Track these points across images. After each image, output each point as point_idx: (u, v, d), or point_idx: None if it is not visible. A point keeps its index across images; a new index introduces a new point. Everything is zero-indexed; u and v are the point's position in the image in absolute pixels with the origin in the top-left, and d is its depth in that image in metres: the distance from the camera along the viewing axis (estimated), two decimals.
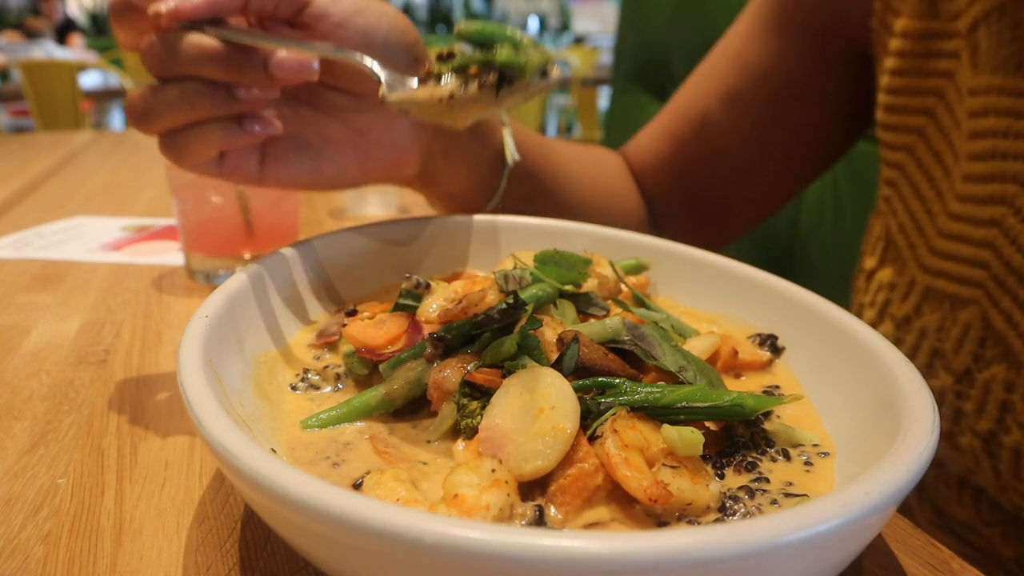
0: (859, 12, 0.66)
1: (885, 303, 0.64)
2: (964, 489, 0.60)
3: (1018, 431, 0.54)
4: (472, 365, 0.39)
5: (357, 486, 0.34)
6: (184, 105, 0.46)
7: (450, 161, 0.62)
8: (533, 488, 0.33)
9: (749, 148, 0.78)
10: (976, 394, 0.56)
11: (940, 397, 0.58)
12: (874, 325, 0.64)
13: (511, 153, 0.65)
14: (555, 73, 0.46)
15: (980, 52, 0.55)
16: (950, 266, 0.57)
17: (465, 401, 0.37)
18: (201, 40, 0.45)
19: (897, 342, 0.61)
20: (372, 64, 0.47)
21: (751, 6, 0.76)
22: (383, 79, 0.47)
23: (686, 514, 0.33)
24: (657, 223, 0.84)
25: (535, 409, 0.34)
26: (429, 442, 0.38)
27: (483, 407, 0.36)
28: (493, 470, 0.32)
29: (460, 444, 0.37)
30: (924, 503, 0.68)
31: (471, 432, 0.36)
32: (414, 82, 0.47)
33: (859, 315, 0.67)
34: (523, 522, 0.31)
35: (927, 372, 0.59)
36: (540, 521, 0.32)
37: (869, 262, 0.68)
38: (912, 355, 0.60)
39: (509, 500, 0.31)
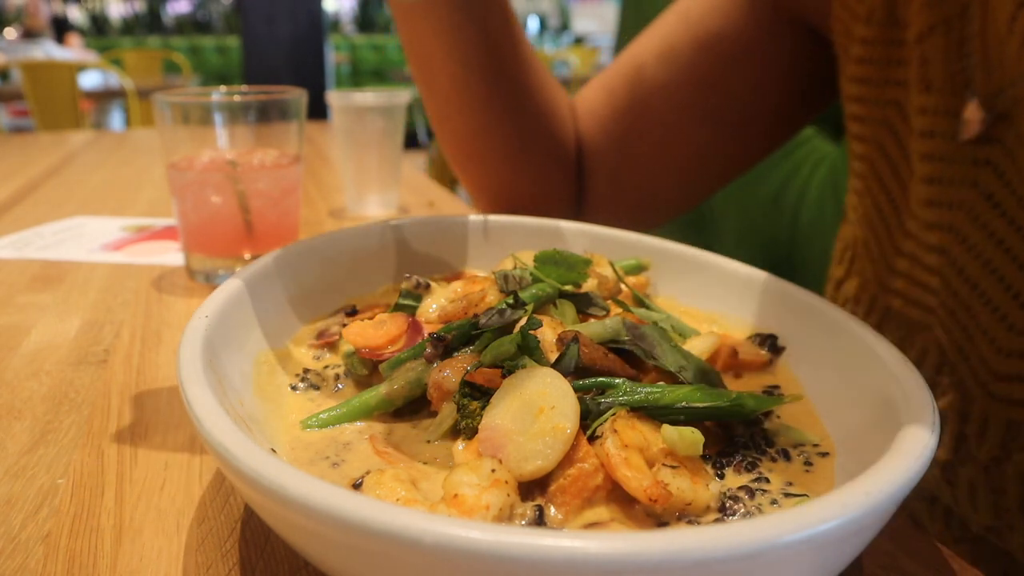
0: (819, 2, 0.63)
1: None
2: (934, 507, 0.59)
3: (971, 465, 0.52)
4: (472, 365, 0.39)
5: (357, 486, 0.34)
6: None
7: None
8: (533, 488, 0.33)
9: (683, 110, 0.71)
10: None
11: None
12: None
13: None
14: None
15: (928, 67, 0.53)
16: (907, 287, 0.56)
17: (465, 401, 0.37)
18: None
19: None
20: None
21: None
22: None
23: (686, 514, 0.33)
24: (583, 182, 0.78)
25: (535, 409, 0.34)
26: (429, 442, 0.38)
27: (483, 407, 0.36)
28: (493, 470, 0.32)
29: (460, 444, 0.37)
30: (903, 516, 0.67)
31: (471, 432, 0.36)
32: None
33: None
34: (523, 522, 0.31)
35: None
36: (540, 521, 0.32)
37: (837, 271, 0.65)
38: None
39: (509, 500, 0.31)
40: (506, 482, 0.32)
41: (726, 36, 0.68)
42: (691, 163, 0.75)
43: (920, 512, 0.61)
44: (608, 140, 0.76)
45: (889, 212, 0.58)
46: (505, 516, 0.31)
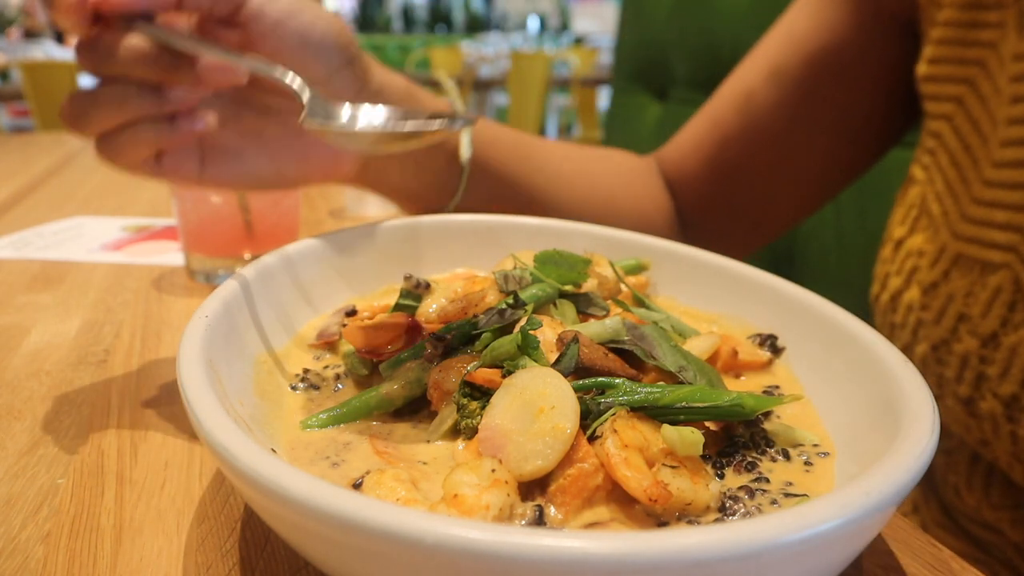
0: None
1: (913, 270, 0.64)
2: (975, 469, 0.60)
3: None
4: (472, 365, 0.39)
5: (357, 486, 0.34)
6: (115, 106, 0.47)
7: (396, 161, 0.63)
8: (533, 488, 0.33)
9: (793, 127, 0.74)
10: (1001, 358, 0.56)
11: (963, 362, 0.58)
12: (900, 291, 0.64)
13: (464, 151, 0.65)
14: (452, 125, 0.50)
15: None
16: (982, 232, 0.58)
17: (465, 401, 0.38)
18: (132, 41, 0.46)
19: (923, 308, 0.61)
20: (295, 84, 0.48)
21: None
22: (305, 102, 0.47)
23: (686, 514, 0.33)
24: (687, 224, 0.81)
25: (535, 409, 0.34)
26: (429, 442, 0.38)
27: (483, 407, 0.36)
28: (493, 470, 0.32)
29: (460, 444, 0.37)
30: (931, 502, 0.67)
31: (471, 432, 0.36)
32: (338, 108, 0.49)
33: (884, 284, 0.67)
34: (523, 522, 0.31)
35: (951, 337, 0.59)
36: (540, 521, 0.32)
37: (899, 231, 0.67)
38: (937, 320, 0.60)
39: (509, 500, 0.31)
40: (506, 482, 0.32)
41: (833, 48, 0.70)
42: (808, 175, 0.77)
43: (957, 486, 0.62)
44: (716, 170, 0.78)
45: (967, 164, 0.60)
46: (505, 516, 0.31)
